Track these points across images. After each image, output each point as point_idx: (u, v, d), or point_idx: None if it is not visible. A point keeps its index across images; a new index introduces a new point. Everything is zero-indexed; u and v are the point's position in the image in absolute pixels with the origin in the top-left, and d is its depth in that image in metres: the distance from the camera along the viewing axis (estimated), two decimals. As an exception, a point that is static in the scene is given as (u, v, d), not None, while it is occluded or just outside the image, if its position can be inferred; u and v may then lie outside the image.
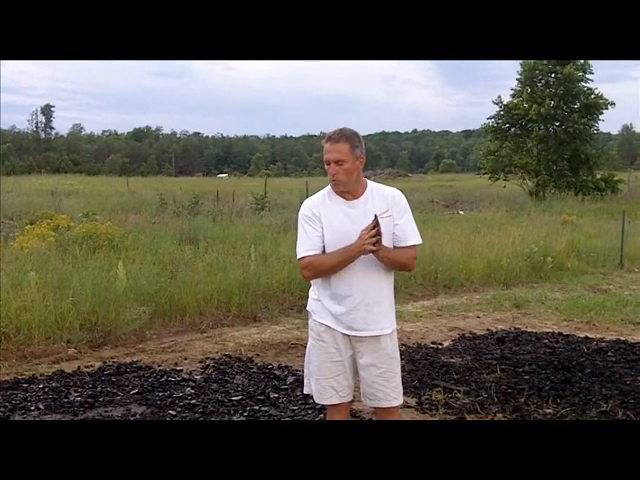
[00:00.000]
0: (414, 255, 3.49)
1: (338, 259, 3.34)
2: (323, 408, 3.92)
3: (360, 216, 3.39)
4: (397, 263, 3.46)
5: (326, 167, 3.41)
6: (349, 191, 3.43)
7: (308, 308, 3.61)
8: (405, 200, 3.52)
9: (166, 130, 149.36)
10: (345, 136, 3.37)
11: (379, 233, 3.25)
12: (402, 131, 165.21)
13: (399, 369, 3.58)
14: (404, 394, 3.64)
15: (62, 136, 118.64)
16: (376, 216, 3.25)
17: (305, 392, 3.74)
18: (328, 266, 3.37)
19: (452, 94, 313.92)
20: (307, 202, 3.53)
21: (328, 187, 3.52)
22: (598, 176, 31.18)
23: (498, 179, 32.40)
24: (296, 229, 3.51)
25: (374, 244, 3.25)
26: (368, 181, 3.53)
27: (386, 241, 3.39)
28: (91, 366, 5.99)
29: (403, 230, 3.45)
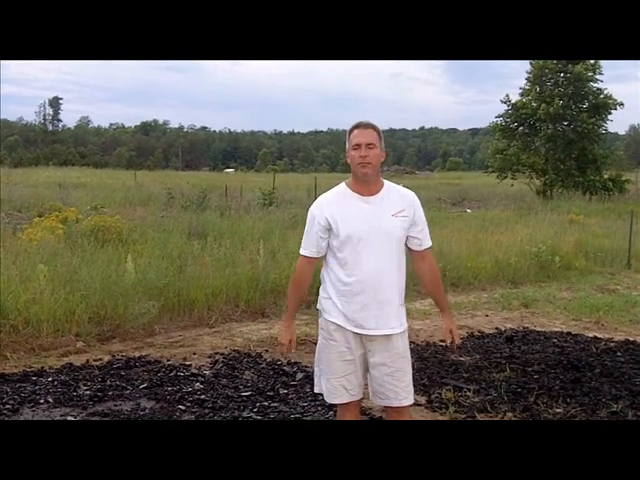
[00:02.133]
0: (434, 263, 3.67)
1: (289, 300, 3.66)
2: (333, 405, 3.92)
3: (376, 212, 3.40)
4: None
5: (353, 152, 3.41)
6: (366, 186, 3.44)
7: (318, 307, 3.60)
8: (419, 201, 3.57)
9: (173, 124, 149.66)
10: (373, 126, 3.45)
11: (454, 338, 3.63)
12: (409, 128, 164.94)
13: (410, 368, 3.57)
14: (414, 392, 3.63)
15: (69, 128, 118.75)
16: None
17: (315, 391, 3.74)
18: (288, 296, 3.70)
19: (460, 92, 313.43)
20: (319, 200, 3.54)
21: (343, 184, 3.53)
22: (606, 176, 31.08)
23: (505, 178, 32.33)
24: (304, 225, 3.56)
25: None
26: (384, 180, 3.54)
27: (399, 241, 3.44)
28: (100, 360, 6.00)
29: (424, 234, 3.54)
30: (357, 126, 3.44)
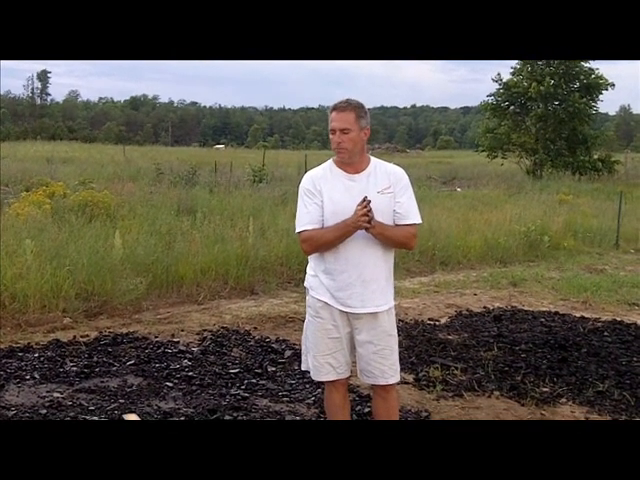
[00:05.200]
0: (414, 233, 3.47)
1: (335, 234, 3.33)
2: (321, 383, 3.92)
3: (361, 190, 3.37)
4: (393, 241, 3.46)
5: (331, 136, 3.38)
6: (352, 165, 3.41)
7: (306, 284, 3.60)
8: (407, 178, 3.51)
9: (163, 99, 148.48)
10: (351, 106, 3.36)
11: (370, 210, 3.25)
12: (401, 106, 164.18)
13: (396, 346, 3.57)
14: (401, 370, 3.65)
15: (58, 102, 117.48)
16: (366, 197, 3.25)
17: (302, 369, 3.75)
18: (326, 240, 3.36)
19: (451, 70, 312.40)
20: (308, 175, 3.50)
21: (330, 161, 3.50)
22: (595, 156, 31.10)
23: (496, 157, 32.30)
24: (294, 202, 3.50)
25: (368, 222, 3.24)
26: (372, 157, 3.51)
27: (387, 218, 3.39)
28: (87, 336, 5.97)
29: (405, 208, 3.43)
30: (334, 108, 3.37)
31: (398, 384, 3.70)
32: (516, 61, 32.71)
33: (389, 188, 3.40)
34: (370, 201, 3.25)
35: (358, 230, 3.31)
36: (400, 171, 3.51)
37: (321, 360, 3.50)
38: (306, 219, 3.39)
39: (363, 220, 3.24)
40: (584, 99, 30.72)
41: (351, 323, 3.47)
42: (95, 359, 5.36)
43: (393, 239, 3.43)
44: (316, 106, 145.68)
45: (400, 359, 3.62)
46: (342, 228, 3.31)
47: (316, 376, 3.58)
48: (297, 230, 3.43)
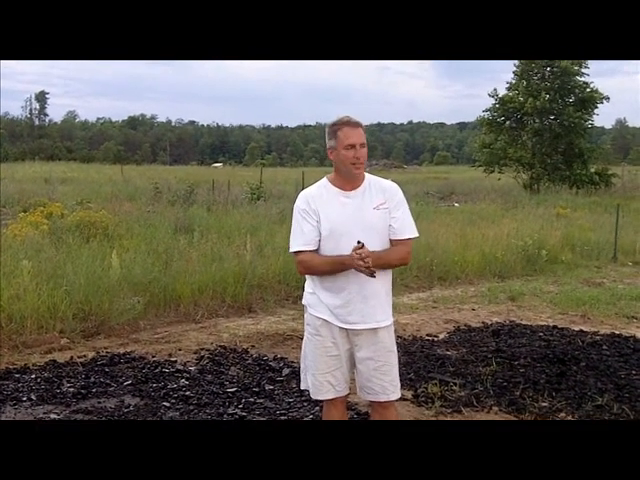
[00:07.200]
0: (408, 250, 3.48)
1: (331, 267, 3.36)
2: (319, 401, 3.90)
3: (357, 206, 3.39)
4: (391, 266, 3.50)
5: (345, 152, 3.35)
6: (348, 182, 3.41)
7: (304, 302, 3.58)
8: (401, 193, 3.51)
9: (161, 118, 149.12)
10: (360, 123, 3.40)
11: (366, 253, 3.24)
12: (397, 122, 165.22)
13: (396, 362, 3.56)
14: (400, 387, 3.62)
15: (56, 123, 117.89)
16: (359, 242, 3.25)
17: (302, 387, 3.72)
18: (320, 271, 3.40)
19: (447, 86, 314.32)
20: (303, 194, 3.50)
21: (324, 179, 3.51)
22: (592, 170, 31.19)
23: (493, 172, 32.39)
24: (292, 220, 3.49)
25: (365, 261, 3.23)
26: (366, 173, 3.51)
27: (382, 234, 3.41)
28: (84, 356, 5.94)
29: (399, 222, 3.43)
30: (346, 123, 3.36)
31: (397, 401, 3.68)
32: (512, 76, 32.93)
33: (384, 204, 3.41)
34: (363, 245, 3.25)
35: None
36: (394, 186, 3.51)
37: (320, 378, 3.48)
38: (301, 240, 3.39)
39: (360, 265, 3.24)
40: (579, 113, 30.86)
41: (351, 340, 3.46)
42: (92, 379, 5.34)
43: (390, 264, 3.47)
44: (313, 123, 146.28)
45: (398, 375, 3.60)
46: (338, 264, 3.32)
47: (315, 395, 3.56)
48: (292, 250, 3.44)
